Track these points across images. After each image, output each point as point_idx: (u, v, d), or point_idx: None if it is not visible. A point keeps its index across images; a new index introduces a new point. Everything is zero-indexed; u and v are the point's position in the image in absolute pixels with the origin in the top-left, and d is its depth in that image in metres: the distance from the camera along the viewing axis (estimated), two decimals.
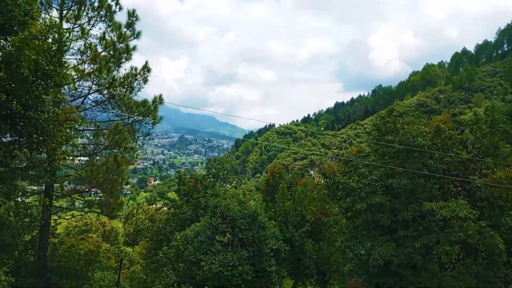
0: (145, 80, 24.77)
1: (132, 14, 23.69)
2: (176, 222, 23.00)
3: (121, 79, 23.66)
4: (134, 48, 23.78)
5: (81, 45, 22.63)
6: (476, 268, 15.98)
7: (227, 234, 16.21)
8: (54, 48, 8.46)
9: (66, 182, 22.30)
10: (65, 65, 8.75)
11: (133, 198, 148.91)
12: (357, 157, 18.50)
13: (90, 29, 22.89)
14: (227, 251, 15.90)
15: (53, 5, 21.98)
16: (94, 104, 23.82)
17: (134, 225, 41.26)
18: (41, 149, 8.72)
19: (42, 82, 8.13)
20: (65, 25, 22.20)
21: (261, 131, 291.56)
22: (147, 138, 25.33)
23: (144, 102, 23.45)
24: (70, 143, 9.61)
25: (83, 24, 22.44)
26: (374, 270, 15.98)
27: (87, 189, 21.77)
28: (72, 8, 22.37)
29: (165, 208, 25.01)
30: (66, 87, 22.31)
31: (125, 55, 22.71)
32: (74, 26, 22.21)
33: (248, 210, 17.02)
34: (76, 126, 9.42)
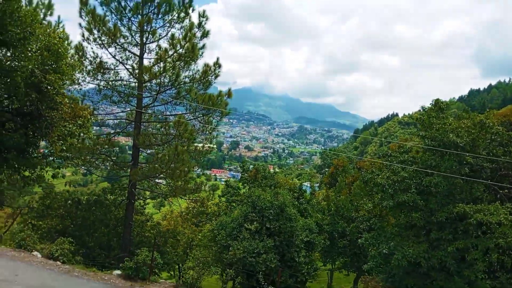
0: (216, 76, 26.20)
1: (202, 15, 25.26)
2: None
3: (192, 76, 25.55)
4: (203, 46, 25.38)
5: (155, 46, 25.19)
6: None
7: (255, 223, 16.89)
8: (52, 58, 10.18)
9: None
10: (66, 69, 10.41)
11: None
12: (397, 152, 17.29)
13: (169, 31, 25.12)
14: (254, 238, 16.60)
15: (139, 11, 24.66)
16: (171, 99, 26.29)
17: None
18: (44, 141, 10.66)
19: (39, 87, 9.93)
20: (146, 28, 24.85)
21: (382, 121, 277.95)
22: (215, 129, 27.09)
23: (210, 96, 25.02)
24: (85, 136, 11.43)
25: (157, 28, 24.81)
26: (397, 270, 15.01)
27: (156, 175, 24.41)
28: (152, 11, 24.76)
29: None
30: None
31: (192, 54, 24.52)
32: (150, 29, 24.79)
33: (278, 201, 17.40)
34: (80, 122, 11.18)
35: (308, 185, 28.80)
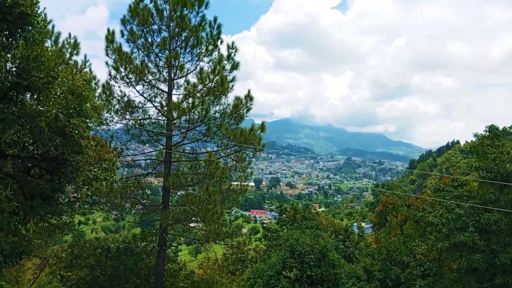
0: (248, 109, 26.71)
1: (231, 46, 26.16)
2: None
3: (223, 110, 26.19)
4: (233, 79, 26.17)
5: (184, 81, 26.22)
6: None
7: (294, 270, 16.71)
8: (75, 101, 10.97)
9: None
10: (90, 112, 11.17)
11: None
12: (450, 186, 16.78)
13: (197, 65, 26.10)
14: None
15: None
16: (201, 136, 27.01)
17: None
18: (68, 187, 11.31)
19: (63, 132, 10.68)
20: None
21: (441, 150, 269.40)
22: (249, 166, 27.38)
23: (242, 131, 25.43)
24: (107, 181, 12.03)
25: (185, 62, 25.87)
26: None
27: (188, 218, 24.79)
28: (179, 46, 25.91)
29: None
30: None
31: (222, 87, 25.25)
32: (177, 65, 25.89)
33: (319, 245, 17.18)
34: (105, 166, 11.82)
35: (357, 225, 28.22)
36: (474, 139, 17.16)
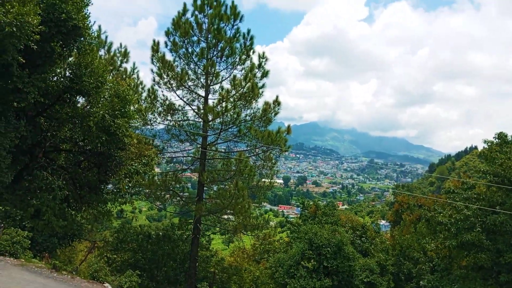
0: (276, 113, 26.88)
1: (262, 56, 26.29)
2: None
3: (253, 114, 26.43)
4: (263, 85, 26.36)
5: (219, 87, 26.62)
6: None
7: (312, 261, 16.67)
8: (120, 103, 11.38)
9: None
10: (132, 114, 11.57)
11: None
12: (460, 188, 16.28)
13: (231, 73, 26.47)
14: (311, 277, 16.35)
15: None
16: (233, 137, 27.35)
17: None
18: (113, 179, 11.75)
19: (109, 130, 11.11)
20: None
21: (459, 155, 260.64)
22: (275, 164, 27.48)
23: (269, 133, 25.60)
24: (147, 174, 12.42)
25: (221, 70, 26.27)
26: None
27: (220, 210, 25.09)
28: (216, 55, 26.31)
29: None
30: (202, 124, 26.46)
31: (252, 93, 25.48)
32: (214, 72, 26.30)
33: (335, 239, 17.07)
34: (144, 161, 12.20)
35: (375, 222, 27.87)
36: (485, 145, 16.62)
